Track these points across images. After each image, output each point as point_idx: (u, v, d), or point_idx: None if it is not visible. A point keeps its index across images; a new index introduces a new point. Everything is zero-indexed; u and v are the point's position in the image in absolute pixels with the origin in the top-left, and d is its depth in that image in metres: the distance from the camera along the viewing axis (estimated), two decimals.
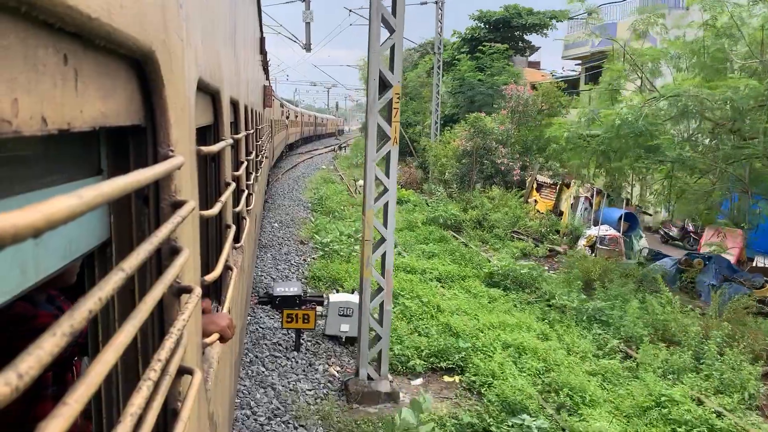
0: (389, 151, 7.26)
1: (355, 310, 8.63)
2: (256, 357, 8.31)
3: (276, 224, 17.44)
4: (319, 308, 8.90)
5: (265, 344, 8.81)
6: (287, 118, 33.43)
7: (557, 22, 34.91)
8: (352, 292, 9.77)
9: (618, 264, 14.20)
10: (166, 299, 1.33)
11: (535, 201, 21.86)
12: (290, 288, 8.56)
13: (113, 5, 0.87)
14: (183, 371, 1.34)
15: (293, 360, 8.41)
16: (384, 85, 7.07)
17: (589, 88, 23.29)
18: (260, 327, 9.45)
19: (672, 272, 13.90)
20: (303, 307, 8.36)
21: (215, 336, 2.18)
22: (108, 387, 1.26)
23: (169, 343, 1.10)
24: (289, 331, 9.04)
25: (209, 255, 3.03)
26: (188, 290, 1.40)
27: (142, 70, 1.16)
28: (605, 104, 15.40)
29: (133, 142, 1.23)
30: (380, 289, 7.64)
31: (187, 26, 1.64)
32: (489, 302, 11.69)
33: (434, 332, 9.54)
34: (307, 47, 26.34)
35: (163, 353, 1.06)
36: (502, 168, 22.88)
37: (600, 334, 10.27)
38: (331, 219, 18.47)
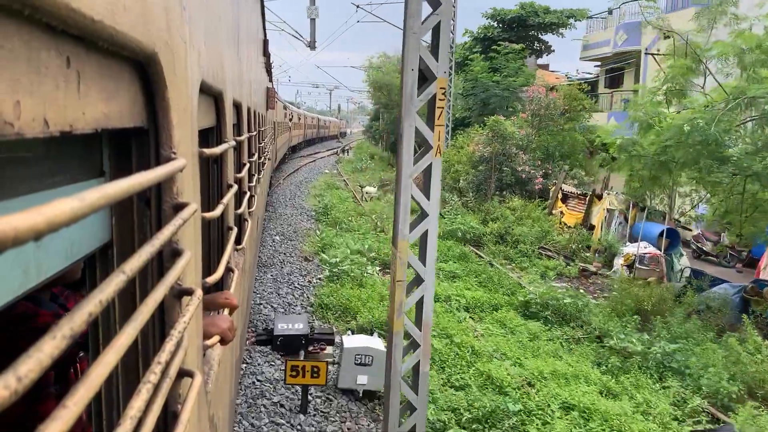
0: (430, 164, 5.58)
1: (376, 357, 7.35)
2: (252, 426, 6.70)
3: (277, 237, 15.83)
4: (328, 349, 7.35)
5: (264, 406, 7.12)
6: (290, 120, 33.48)
7: (576, 21, 33.05)
8: (371, 333, 8.26)
9: (667, 289, 12.47)
10: (167, 301, 1.33)
11: (561, 213, 19.97)
12: (294, 324, 7.13)
13: (116, 7, 0.87)
14: (183, 373, 1.34)
15: (299, 428, 6.82)
16: (424, 78, 5.52)
17: (635, 89, 20.36)
18: (257, 380, 7.69)
19: (735, 302, 11.89)
20: (310, 348, 7.00)
21: (216, 338, 2.18)
22: (108, 389, 1.26)
23: (169, 345, 1.10)
24: (294, 386, 7.33)
25: (211, 257, 3.03)
26: (189, 292, 1.40)
27: (144, 72, 1.16)
28: (655, 107, 13.63)
29: (136, 144, 1.23)
30: (414, 344, 5.87)
31: (190, 28, 1.65)
32: (530, 340, 10.00)
33: (473, 385, 7.94)
34: (312, 45, 25.06)
35: (163, 356, 1.06)
36: (523, 176, 21.19)
37: (672, 387, 8.48)
38: (338, 231, 16.77)
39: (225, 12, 2.97)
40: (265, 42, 10.04)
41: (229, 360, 3.28)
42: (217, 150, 2.48)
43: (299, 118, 43.22)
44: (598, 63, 31.28)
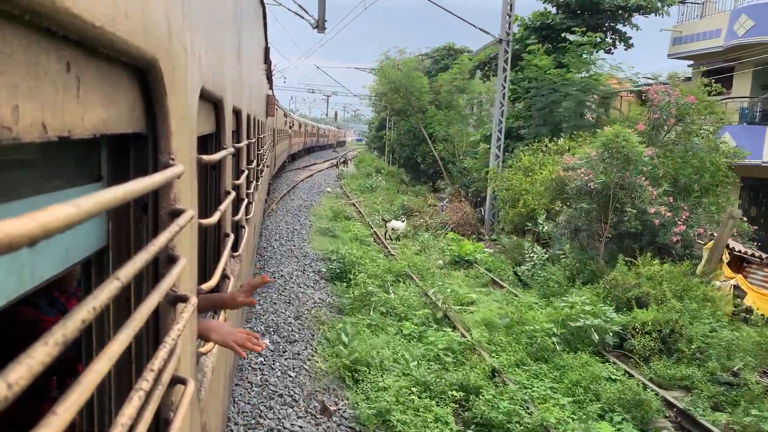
0: None
1: None
2: None
3: (269, 342, 8.51)
4: None
5: None
6: (290, 128, 33.41)
7: (666, 6, 24.02)
8: None
9: None
10: (162, 308, 1.32)
11: (735, 288, 11.53)
12: None
13: (118, 14, 0.88)
14: (176, 381, 1.34)
15: None
16: None
17: None
18: None
19: None
20: None
21: (210, 344, 2.17)
22: (100, 396, 1.25)
23: (162, 352, 1.10)
24: None
25: (207, 263, 3.03)
26: (184, 299, 1.39)
27: (144, 78, 1.16)
28: None
29: (134, 150, 1.23)
30: None
31: (192, 35, 1.65)
32: None
33: None
34: (321, 25, 19.29)
35: (156, 363, 1.05)
36: (657, 221, 12.82)
37: None
38: (372, 318, 9.61)
39: (227, 19, 2.98)
40: (267, 49, 10.07)
41: (223, 368, 3.26)
42: (215, 157, 2.48)
43: (299, 126, 43.27)
44: (691, 62, 23.53)
